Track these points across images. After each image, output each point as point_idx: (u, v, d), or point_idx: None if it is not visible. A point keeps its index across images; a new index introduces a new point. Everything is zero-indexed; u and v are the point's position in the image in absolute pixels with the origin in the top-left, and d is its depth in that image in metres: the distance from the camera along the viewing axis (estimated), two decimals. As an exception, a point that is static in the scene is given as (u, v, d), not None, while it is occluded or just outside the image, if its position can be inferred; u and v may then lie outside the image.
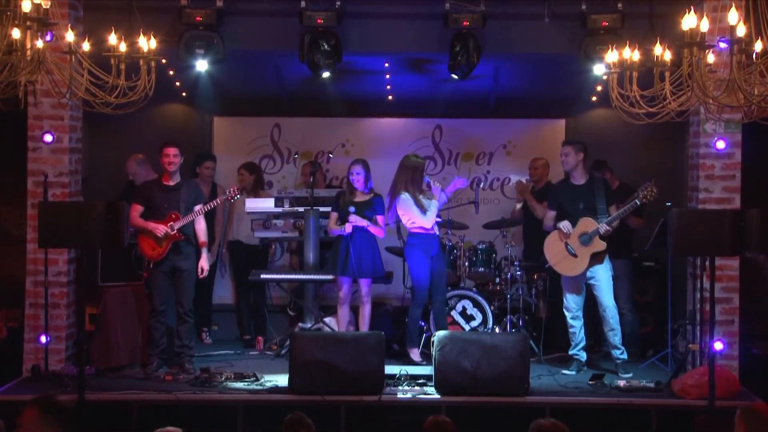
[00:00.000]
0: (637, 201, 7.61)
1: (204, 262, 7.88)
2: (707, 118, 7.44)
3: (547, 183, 9.26)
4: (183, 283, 7.79)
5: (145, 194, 7.86)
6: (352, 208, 7.92)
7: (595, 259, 7.80)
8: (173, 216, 7.75)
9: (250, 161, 9.75)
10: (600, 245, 7.74)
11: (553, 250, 7.97)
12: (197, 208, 7.84)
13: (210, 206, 7.99)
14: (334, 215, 8.07)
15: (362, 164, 8.08)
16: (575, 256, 7.83)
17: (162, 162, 7.82)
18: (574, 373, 7.86)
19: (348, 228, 7.90)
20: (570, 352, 8.03)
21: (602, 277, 7.83)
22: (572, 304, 7.96)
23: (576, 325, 7.97)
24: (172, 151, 7.77)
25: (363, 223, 7.91)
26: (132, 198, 7.89)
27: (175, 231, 7.72)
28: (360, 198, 8.03)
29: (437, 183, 8.15)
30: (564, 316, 8.88)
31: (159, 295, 7.78)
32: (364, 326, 7.98)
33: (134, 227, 7.74)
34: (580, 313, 7.97)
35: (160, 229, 7.68)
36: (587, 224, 7.77)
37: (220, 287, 9.77)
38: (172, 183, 7.84)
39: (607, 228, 7.70)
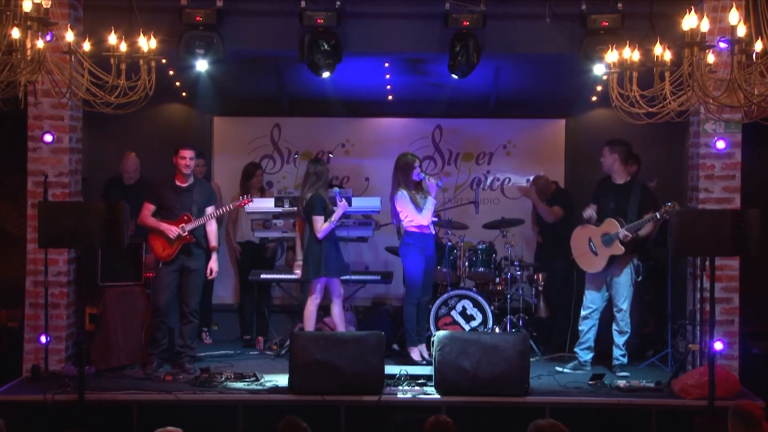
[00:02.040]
0: (657, 215, 7.58)
1: (214, 264, 7.90)
2: (707, 118, 7.43)
3: (556, 189, 9.25)
4: (191, 283, 7.80)
5: (158, 194, 7.86)
6: (336, 190, 8.00)
7: (614, 262, 7.80)
8: (185, 218, 7.75)
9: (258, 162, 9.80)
10: (618, 249, 7.71)
11: (577, 243, 8.04)
12: (209, 211, 7.86)
13: (222, 210, 8.02)
14: (320, 218, 7.91)
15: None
16: (595, 254, 7.87)
17: (177, 163, 7.79)
18: (568, 370, 7.87)
19: (344, 206, 7.90)
20: (575, 349, 8.04)
21: (622, 280, 7.82)
22: (588, 301, 7.97)
23: (585, 324, 7.97)
24: (188, 153, 7.79)
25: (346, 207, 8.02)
26: (144, 197, 7.90)
27: (187, 233, 7.72)
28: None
29: (432, 178, 8.06)
30: (562, 316, 8.93)
31: (162, 294, 7.77)
32: (341, 327, 7.99)
33: (146, 226, 7.77)
34: (594, 314, 7.95)
35: (173, 230, 7.68)
36: (611, 226, 7.78)
37: (220, 287, 9.78)
38: (185, 184, 7.84)
39: (626, 234, 7.66)
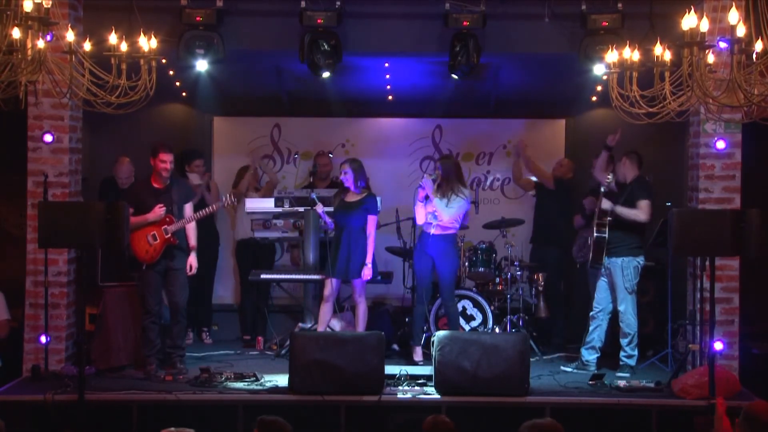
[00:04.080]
0: (602, 189, 7.74)
1: (193, 260, 7.83)
2: (707, 118, 7.44)
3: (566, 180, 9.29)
4: (176, 282, 7.76)
5: (135, 197, 7.75)
6: (313, 194, 8.04)
7: (612, 263, 7.82)
8: (167, 219, 7.71)
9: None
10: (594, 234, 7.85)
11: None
12: (187, 210, 7.80)
13: (204, 213, 7.97)
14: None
15: (350, 163, 8.08)
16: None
17: (156, 165, 7.70)
18: (572, 370, 7.87)
19: (319, 209, 8.08)
20: (581, 348, 8.04)
21: (617, 281, 7.83)
22: (595, 301, 8.00)
23: (591, 324, 7.98)
24: (168, 157, 7.69)
25: (320, 209, 8.09)
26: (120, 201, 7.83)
27: (170, 235, 7.69)
28: (352, 198, 8.04)
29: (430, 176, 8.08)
30: (561, 316, 8.94)
31: (153, 295, 7.73)
32: (360, 326, 7.99)
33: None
34: (600, 315, 7.95)
35: (156, 211, 7.59)
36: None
37: (220, 287, 9.78)
38: (162, 186, 7.77)
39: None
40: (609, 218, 7.76)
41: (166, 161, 7.69)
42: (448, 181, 7.97)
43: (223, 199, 8.15)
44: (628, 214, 7.76)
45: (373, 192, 8.23)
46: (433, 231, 7.99)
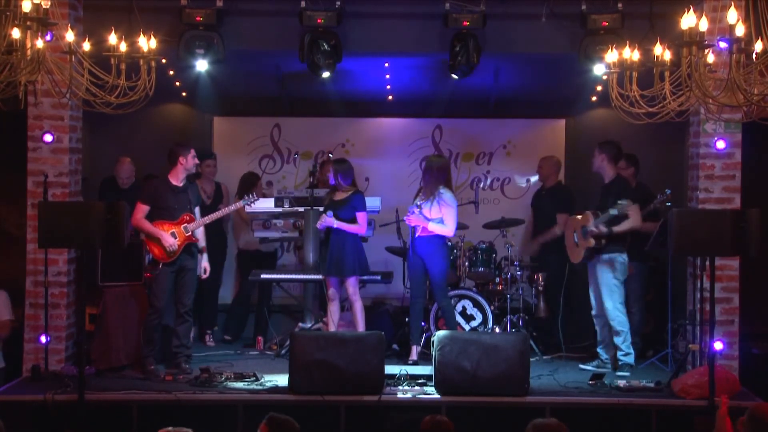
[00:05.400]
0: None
1: (206, 263, 7.90)
2: (707, 118, 7.43)
3: (557, 183, 9.24)
4: (187, 282, 7.77)
5: (154, 194, 7.75)
6: (329, 213, 7.98)
7: (596, 259, 7.80)
8: (187, 218, 7.71)
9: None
10: (590, 242, 7.75)
11: (567, 234, 8.19)
12: (201, 217, 7.84)
13: (226, 211, 8.03)
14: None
15: (332, 163, 8.17)
16: (577, 245, 7.93)
17: (188, 162, 7.66)
18: (592, 369, 7.85)
19: (320, 225, 8.03)
20: (597, 349, 8.02)
21: (602, 278, 7.82)
22: (592, 299, 7.99)
23: (597, 323, 7.97)
24: (194, 152, 7.79)
25: (330, 222, 7.94)
26: (138, 197, 7.83)
27: (190, 233, 7.70)
28: (339, 196, 8.06)
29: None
30: (560, 316, 8.92)
31: (162, 295, 7.71)
32: (359, 325, 7.99)
33: (140, 230, 7.70)
34: (601, 312, 7.95)
35: (169, 242, 7.59)
36: (587, 218, 7.81)
37: (221, 288, 9.75)
38: (181, 184, 7.77)
39: (593, 229, 7.67)
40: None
41: (196, 156, 7.78)
42: (428, 186, 7.99)
43: (247, 197, 8.20)
44: (624, 228, 7.72)
45: (360, 190, 8.23)
46: (418, 233, 7.99)
